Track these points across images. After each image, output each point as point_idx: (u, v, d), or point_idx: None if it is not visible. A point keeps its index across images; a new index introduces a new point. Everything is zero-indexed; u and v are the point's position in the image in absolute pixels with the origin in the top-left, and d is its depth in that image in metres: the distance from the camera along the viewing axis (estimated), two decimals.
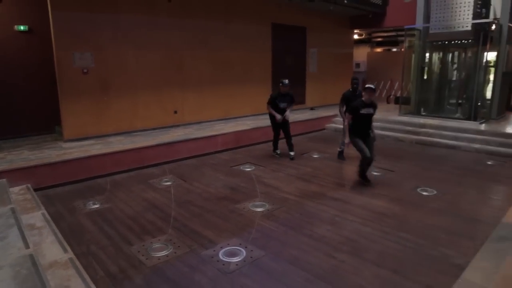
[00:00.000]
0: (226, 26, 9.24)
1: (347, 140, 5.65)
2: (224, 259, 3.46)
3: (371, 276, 3.19)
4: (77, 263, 3.13)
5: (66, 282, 2.86)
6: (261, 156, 7.45)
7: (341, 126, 10.06)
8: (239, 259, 3.46)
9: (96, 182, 5.86)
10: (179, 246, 3.72)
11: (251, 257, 3.49)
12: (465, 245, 3.68)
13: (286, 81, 7.00)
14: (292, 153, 7.25)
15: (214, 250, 3.63)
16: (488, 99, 9.72)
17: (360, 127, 5.53)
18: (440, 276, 3.14)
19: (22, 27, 7.21)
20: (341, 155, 7.28)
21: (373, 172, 6.23)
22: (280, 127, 7.23)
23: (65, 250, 3.35)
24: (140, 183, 5.79)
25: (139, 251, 3.63)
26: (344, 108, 6.53)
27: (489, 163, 7.01)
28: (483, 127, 8.60)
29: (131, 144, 6.77)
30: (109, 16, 7.20)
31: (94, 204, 4.92)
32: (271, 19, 10.40)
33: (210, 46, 8.98)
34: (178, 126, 8.52)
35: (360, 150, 5.48)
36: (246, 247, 3.68)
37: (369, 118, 5.55)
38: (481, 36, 8.88)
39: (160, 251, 3.62)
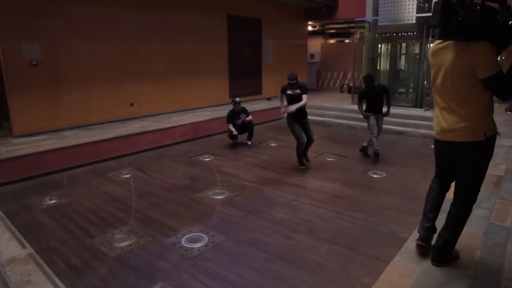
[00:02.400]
0: (181, 18, 9.17)
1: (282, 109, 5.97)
2: (187, 245, 3.57)
3: (326, 252, 3.44)
4: (37, 257, 3.10)
5: (27, 277, 2.83)
6: (220, 146, 7.56)
7: None
8: (202, 245, 3.58)
9: (51, 178, 5.71)
10: (141, 236, 3.78)
11: (213, 242, 3.62)
12: (410, 220, 4.01)
13: (237, 99, 7.50)
14: (249, 142, 7.46)
15: (177, 238, 3.72)
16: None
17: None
18: (388, 248, 3.43)
19: None
20: (364, 151, 6.74)
21: (328, 158, 6.56)
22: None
23: (24, 246, 3.30)
24: (99, 177, 5.71)
25: (101, 243, 3.65)
26: (364, 106, 6.46)
27: (432, 146, 7.54)
28: (427, 113, 9.21)
29: (87, 137, 6.62)
30: (58, 5, 6.92)
31: (50, 199, 4.82)
32: (227, 11, 10.43)
33: (166, 38, 8.90)
34: (135, 118, 8.41)
35: (295, 136, 5.80)
36: (207, 233, 3.80)
37: (296, 99, 5.68)
38: (424, 28, 9.46)
39: (122, 242, 3.66)
